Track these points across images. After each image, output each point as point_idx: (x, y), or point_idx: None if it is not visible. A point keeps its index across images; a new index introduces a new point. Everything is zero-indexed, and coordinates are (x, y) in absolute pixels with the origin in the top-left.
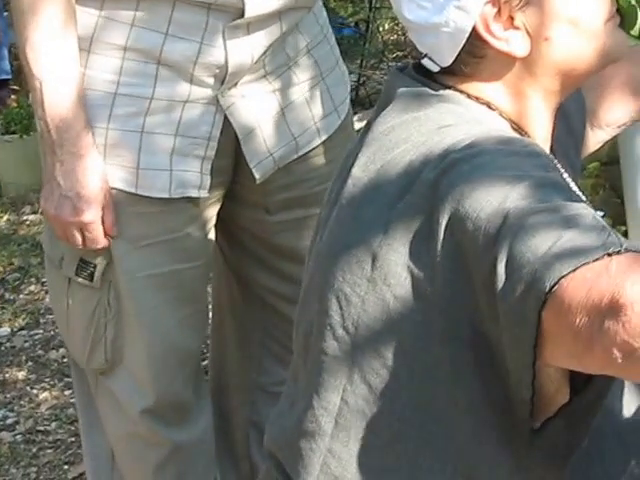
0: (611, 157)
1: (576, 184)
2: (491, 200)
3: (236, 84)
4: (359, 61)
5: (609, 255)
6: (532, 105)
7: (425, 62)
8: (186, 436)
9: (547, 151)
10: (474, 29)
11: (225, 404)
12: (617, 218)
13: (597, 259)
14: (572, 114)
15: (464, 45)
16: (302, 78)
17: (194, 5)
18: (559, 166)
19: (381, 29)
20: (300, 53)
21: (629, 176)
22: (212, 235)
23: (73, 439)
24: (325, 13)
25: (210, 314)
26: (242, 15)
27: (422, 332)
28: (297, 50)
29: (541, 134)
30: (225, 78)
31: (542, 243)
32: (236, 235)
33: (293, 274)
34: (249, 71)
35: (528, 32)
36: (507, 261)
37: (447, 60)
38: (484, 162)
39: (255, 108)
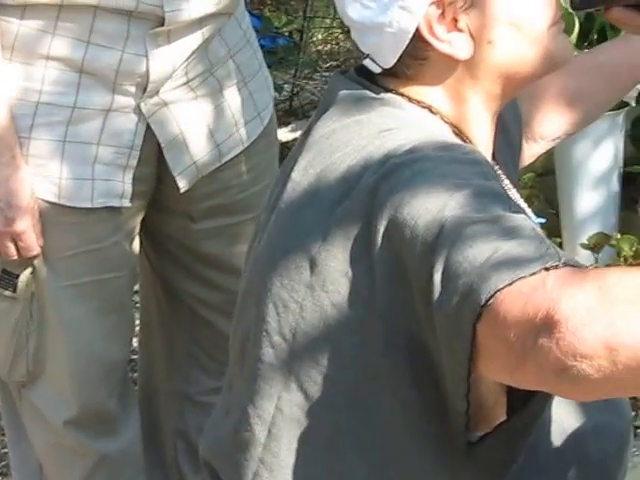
0: (546, 168)
1: (517, 192)
2: (430, 208)
3: (158, 92)
4: (293, 71)
5: (546, 269)
6: (473, 109)
7: (367, 63)
8: (113, 446)
9: (489, 157)
10: (417, 30)
11: (153, 414)
12: (552, 229)
13: (534, 273)
14: (509, 125)
15: (407, 47)
16: (225, 84)
17: (115, 14)
18: (500, 174)
19: (315, 39)
20: (222, 59)
21: (564, 187)
22: (136, 244)
23: (6, 450)
24: (248, 18)
25: (138, 323)
26: (163, 23)
27: (360, 340)
28: (219, 56)
29: (482, 139)
30: (147, 86)
31: (479, 254)
32: (162, 244)
33: (219, 282)
34: (171, 79)
35: (471, 35)
36: (444, 271)
37: (389, 61)
38: (424, 169)
39: (178, 116)
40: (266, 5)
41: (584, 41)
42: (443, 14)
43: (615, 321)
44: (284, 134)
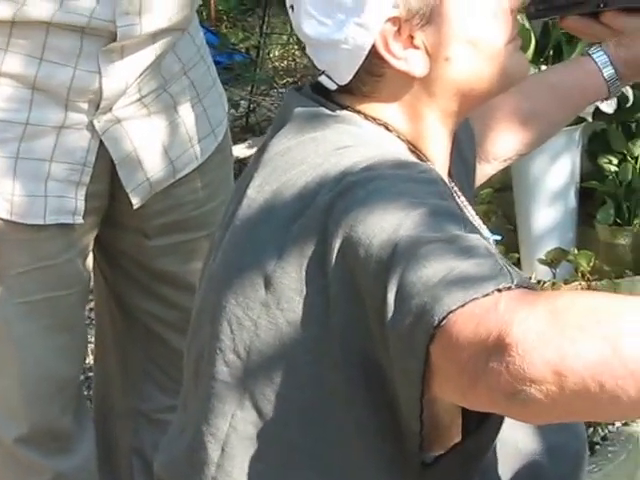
0: (504, 183)
1: (473, 209)
2: (385, 227)
3: (111, 109)
4: (249, 87)
5: (499, 291)
6: (429, 127)
7: (323, 79)
8: (68, 464)
9: (445, 175)
10: (373, 47)
11: (108, 431)
12: (510, 245)
13: (487, 294)
14: (464, 144)
15: (363, 63)
16: (179, 100)
17: (68, 30)
18: (456, 192)
19: (272, 55)
20: (176, 75)
21: (522, 203)
22: (90, 261)
23: None
24: (202, 34)
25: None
26: (115, 39)
27: (315, 358)
28: (173, 72)
29: (439, 156)
30: (100, 103)
31: (433, 275)
32: (117, 260)
33: (174, 299)
34: (124, 95)
35: (428, 51)
36: (397, 291)
37: (345, 78)
38: (380, 187)
39: (131, 132)
40: (223, 21)
41: (540, 56)
42: (399, 31)
43: (564, 347)
44: (240, 150)
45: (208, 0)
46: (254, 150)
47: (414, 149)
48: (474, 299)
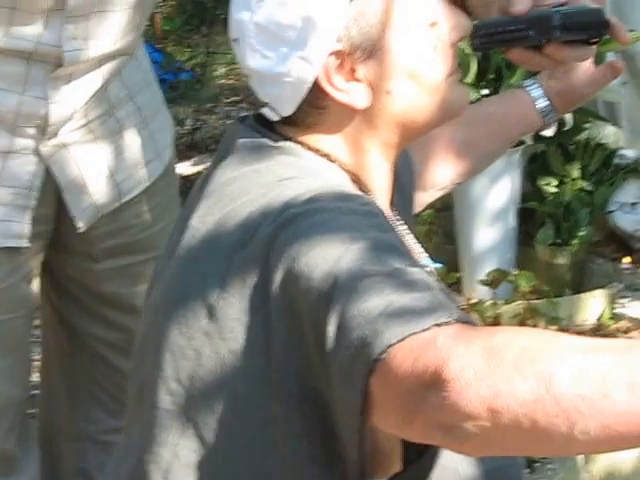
0: (445, 203)
1: (414, 237)
2: (326, 259)
3: (58, 134)
4: (195, 105)
5: (438, 325)
6: (371, 157)
7: (266, 111)
8: None
9: (386, 204)
10: (316, 80)
11: (53, 453)
12: (451, 265)
13: (426, 329)
14: (403, 173)
15: (306, 96)
16: (125, 125)
17: (14, 56)
18: (397, 221)
19: (217, 73)
20: (122, 101)
21: (463, 223)
22: (36, 285)
23: None
24: (148, 60)
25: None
26: (62, 64)
27: (256, 388)
28: (119, 97)
29: (380, 186)
30: (47, 129)
31: (373, 308)
32: (63, 283)
33: (121, 322)
34: (71, 121)
35: (370, 84)
36: (338, 323)
37: (288, 110)
38: (322, 220)
39: (77, 157)
40: (168, 40)
41: (481, 80)
42: (342, 64)
43: (498, 384)
44: (186, 168)
45: (153, 19)
46: (199, 167)
47: (356, 179)
48: (413, 334)
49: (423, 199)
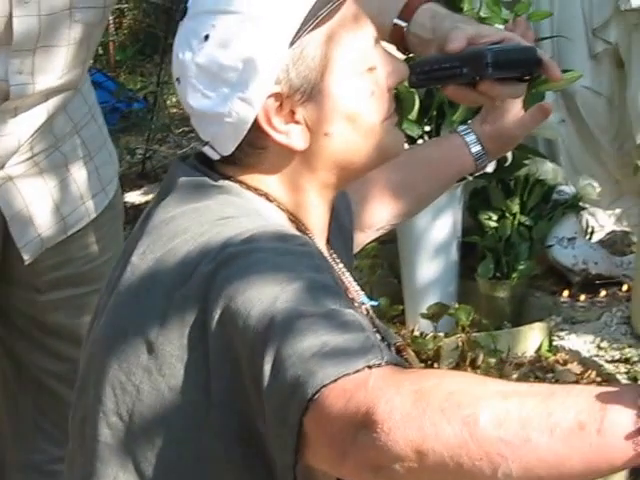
0: (389, 236)
1: (351, 275)
2: (262, 299)
3: (3, 166)
4: (146, 135)
5: (370, 367)
6: (309, 198)
7: (206, 150)
8: None
9: (324, 243)
10: (256, 121)
11: None
12: (394, 297)
13: (358, 370)
14: (341, 213)
15: (246, 136)
16: (70, 159)
17: None
18: (335, 259)
19: (168, 102)
20: (68, 134)
21: (406, 257)
22: None
23: None
24: (94, 94)
25: None
26: (8, 98)
27: (195, 424)
28: (65, 131)
29: (318, 226)
30: None
31: (307, 348)
32: (8, 314)
33: (65, 353)
34: (17, 153)
35: (308, 126)
36: (274, 362)
37: (228, 149)
38: (259, 259)
39: (23, 190)
40: (122, 68)
41: (424, 117)
42: (281, 106)
43: (425, 428)
44: (136, 197)
45: (107, 48)
46: (149, 197)
47: (294, 219)
48: (346, 375)
49: (361, 239)
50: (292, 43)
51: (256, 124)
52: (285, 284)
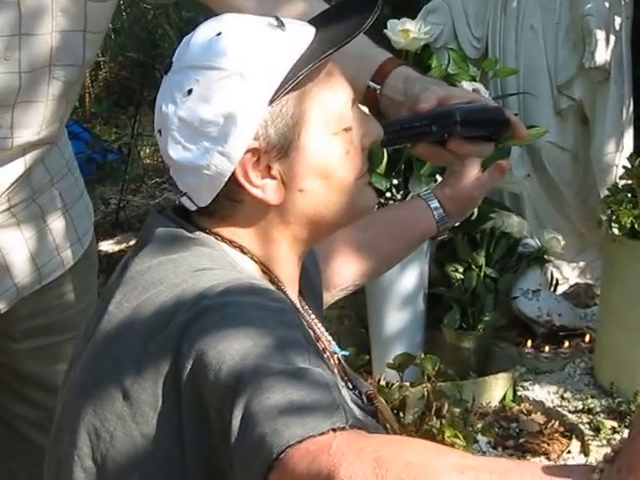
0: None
1: (323, 327)
2: (234, 354)
3: None
4: (120, 185)
5: (334, 430)
6: (281, 250)
7: (184, 200)
8: None
9: (296, 294)
10: (233, 174)
11: None
12: (361, 347)
13: (323, 433)
14: (310, 269)
15: (222, 189)
16: (47, 210)
17: None
18: (307, 310)
19: (142, 154)
20: (45, 187)
21: (374, 307)
22: None
23: None
24: (70, 147)
25: None
26: None
27: (167, 470)
28: (42, 184)
29: (289, 278)
30: None
31: (274, 407)
32: None
33: (39, 400)
34: None
35: (283, 182)
36: (242, 418)
37: (205, 200)
38: (233, 313)
39: (0, 240)
40: (97, 119)
41: (392, 171)
42: (258, 161)
43: None
44: (110, 246)
45: (83, 100)
46: (123, 246)
47: (266, 270)
48: (311, 436)
49: (327, 299)
50: (272, 101)
51: (233, 177)
52: (257, 339)
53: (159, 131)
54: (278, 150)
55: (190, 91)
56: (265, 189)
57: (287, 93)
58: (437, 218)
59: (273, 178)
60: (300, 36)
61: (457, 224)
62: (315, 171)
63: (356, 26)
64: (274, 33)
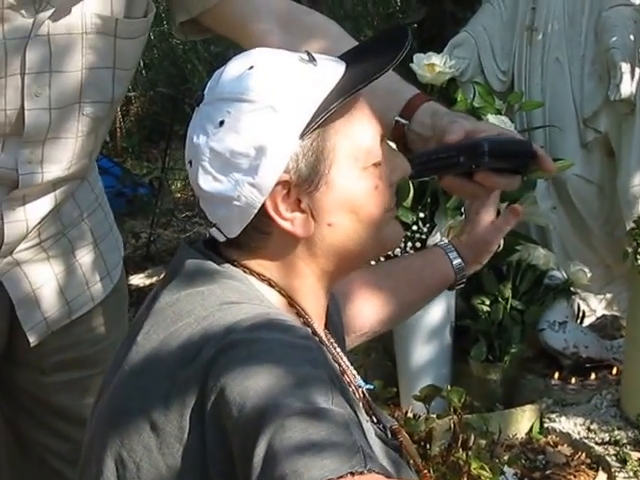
0: None
1: (348, 361)
2: (258, 392)
3: (12, 252)
4: (151, 219)
5: (352, 474)
6: (307, 283)
7: (213, 231)
8: None
9: (322, 327)
10: (263, 206)
11: None
12: (388, 379)
13: (341, 477)
14: (333, 314)
15: (252, 220)
16: (77, 245)
17: None
18: (332, 343)
19: (173, 187)
20: (75, 221)
21: (401, 339)
22: None
23: None
24: (100, 182)
25: None
26: (18, 186)
27: None
28: (72, 218)
29: (316, 311)
30: (1, 247)
31: (295, 447)
32: (14, 394)
33: (68, 433)
34: (25, 239)
35: (312, 215)
36: (264, 456)
37: (234, 232)
38: (260, 350)
39: (30, 275)
40: (128, 154)
41: (418, 204)
42: (288, 194)
43: None
44: (140, 280)
45: (114, 135)
46: (154, 279)
47: (293, 303)
48: (329, 479)
49: (346, 344)
50: (303, 134)
51: (263, 209)
52: (281, 378)
53: (190, 162)
54: (308, 184)
55: (222, 123)
56: (294, 222)
57: (318, 127)
58: (455, 268)
59: (302, 211)
60: (331, 71)
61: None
62: (344, 206)
63: (386, 62)
64: (305, 67)
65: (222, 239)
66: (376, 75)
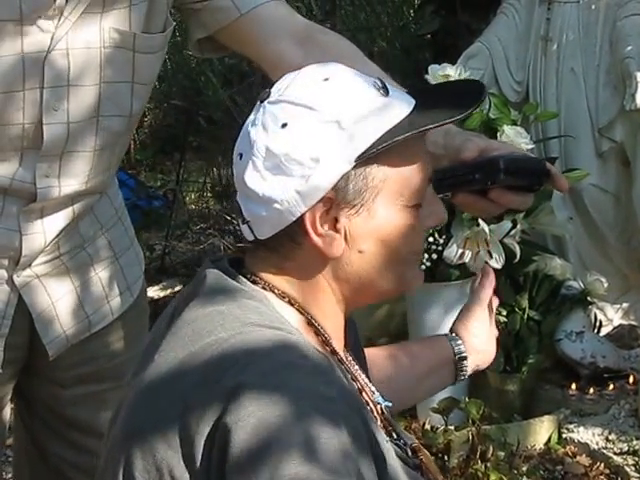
0: (400, 332)
1: (367, 378)
2: (272, 454)
3: (31, 265)
4: (165, 231)
5: None
6: (328, 303)
7: (243, 228)
8: None
9: (342, 345)
10: (301, 217)
11: None
12: None
13: None
14: (350, 332)
15: (286, 227)
16: (96, 259)
17: None
18: (351, 361)
19: (188, 199)
20: (94, 235)
21: None
22: (7, 409)
23: None
24: (121, 196)
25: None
26: (35, 199)
27: None
28: (91, 232)
29: (334, 330)
30: (20, 260)
31: None
32: (33, 407)
33: (87, 445)
34: (43, 253)
35: (346, 238)
36: None
37: (264, 234)
38: (280, 403)
39: (49, 288)
40: (142, 166)
41: None
42: (328, 211)
43: None
44: (155, 292)
45: (128, 148)
46: (168, 292)
47: (313, 321)
48: None
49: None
50: (360, 158)
51: (300, 219)
52: (299, 437)
53: (240, 155)
54: (351, 207)
55: (284, 125)
56: (326, 240)
57: (376, 155)
58: (456, 354)
59: (337, 231)
60: (401, 104)
61: (499, 267)
62: (379, 237)
63: (459, 108)
64: (377, 94)
65: (250, 238)
66: (447, 120)
